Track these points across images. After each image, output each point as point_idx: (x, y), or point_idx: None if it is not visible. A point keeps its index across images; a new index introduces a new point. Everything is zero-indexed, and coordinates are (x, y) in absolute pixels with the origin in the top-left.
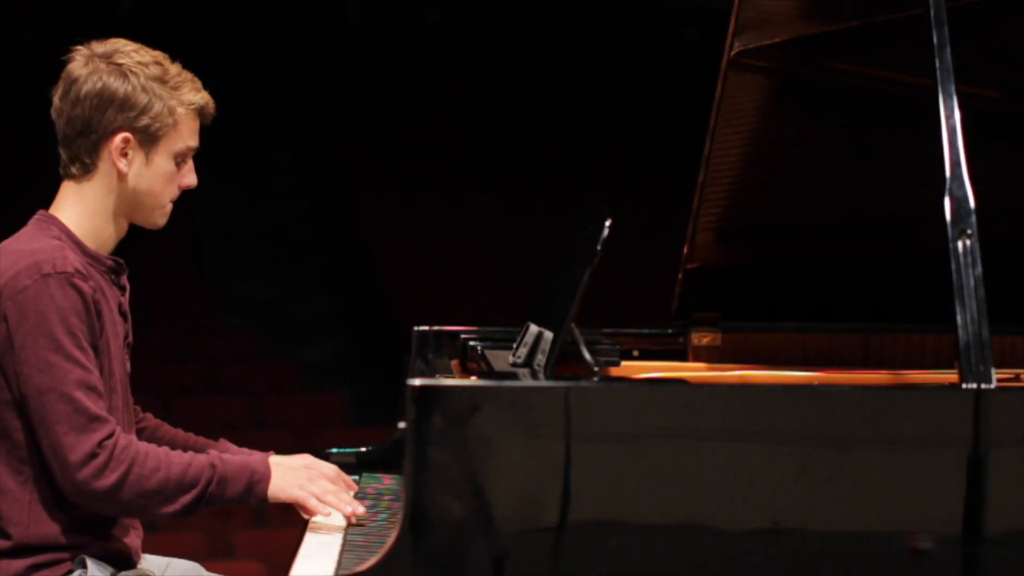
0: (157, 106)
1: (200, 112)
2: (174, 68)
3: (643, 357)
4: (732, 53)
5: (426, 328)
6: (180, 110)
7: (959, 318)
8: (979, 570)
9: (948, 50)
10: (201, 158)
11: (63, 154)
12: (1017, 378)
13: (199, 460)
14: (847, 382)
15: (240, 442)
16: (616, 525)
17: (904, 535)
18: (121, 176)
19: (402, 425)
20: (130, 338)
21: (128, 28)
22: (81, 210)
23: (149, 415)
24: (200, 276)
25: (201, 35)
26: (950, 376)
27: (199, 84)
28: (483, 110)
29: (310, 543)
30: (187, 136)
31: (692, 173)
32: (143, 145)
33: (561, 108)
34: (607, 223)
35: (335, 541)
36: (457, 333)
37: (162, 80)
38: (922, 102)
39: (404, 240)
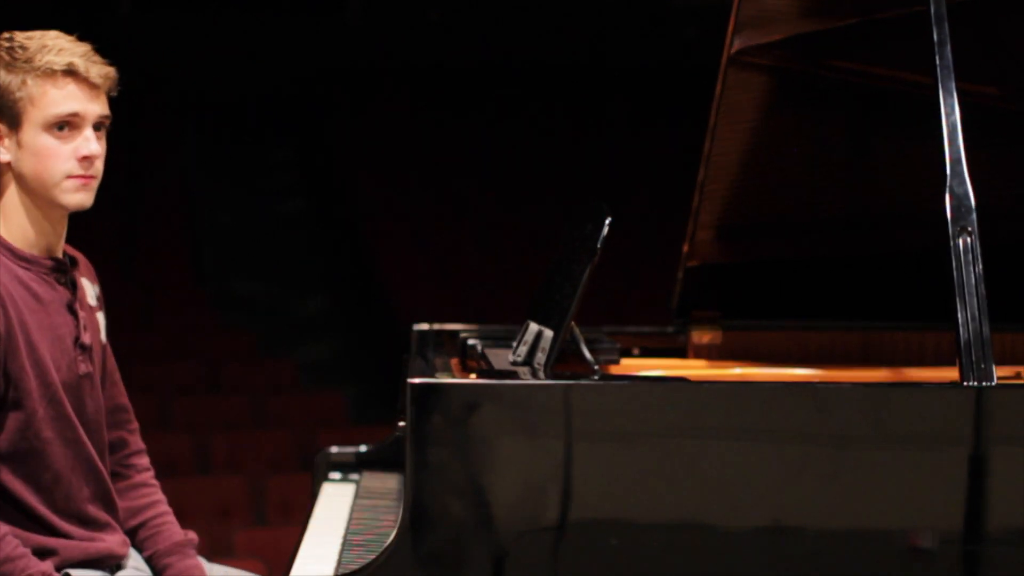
0: (2, 83)
1: (70, 74)
2: (24, 40)
3: (643, 355)
4: (732, 51)
5: (426, 327)
6: (31, 79)
7: (960, 316)
8: (980, 568)
9: (948, 47)
10: (201, 157)
11: None
12: (1018, 376)
13: (24, 563)
14: (848, 380)
15: (240, 442)
16: (616, 524)
17: (905, 533)
18: (7, 166)
19: (402, 424)
20: (91, 337)
21: (127, 26)
22: (4, 212)
23: (145, 475)
24: (200, 276)
25: (199, 33)
26: (951, 373)
27: (62, 46)
28: (483, 108)
29: (310, 543)
30: (57, 102)
31: (693, 171)
32: (12, 128)
33: (561, 106)
34: (607, 222)
35: (335, 541)
36: (457, 332)
37: (7, 58)
38: (922, 100)
39: (404, 239)
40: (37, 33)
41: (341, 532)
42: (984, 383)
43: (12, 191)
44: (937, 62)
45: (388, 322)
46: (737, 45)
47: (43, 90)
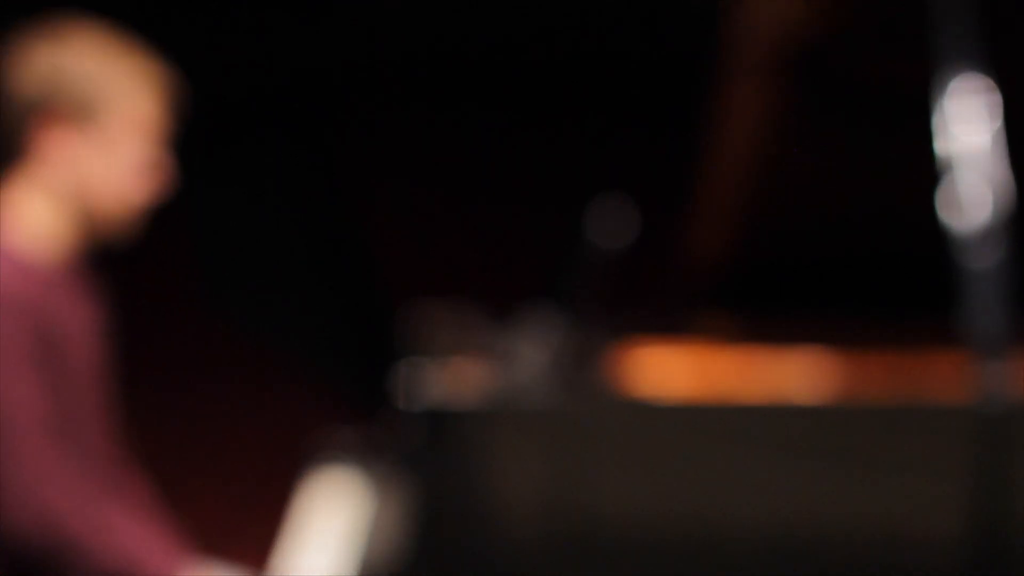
0: (88, 74)
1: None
2: (117, 46)
3: (649, 342)
4: (733, 46)
5: (426, 322)
6: (144, 94)
7: (971, 323)
8: None
9: (958, 43)
10: (194, 149)
11: None
12: None
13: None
14: (860, 374)
15: (239, 439)
16: (633, 544)
17: (918, 556)
18: (50, 160)
19: (398, 443)
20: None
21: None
22: (31, 211)
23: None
24: (198, 272)
25: (194, 29)
26: (960, 357)
27: (152, 60)
28: (483, 101)
29: (304, 541)
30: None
31: (695, 165)
32: (80, 120)
33: (562, 97)
34: (631, 220)
35: (331, 539)
36: (458, 327)
37: (107, 56)
38: (929, 96)
39: (406, 235)
40: (97, 30)
41: (335, 529)
42: (996, 399)
43: (46, 189)
44: (946, 57)
45: (388, 318)
46: (738, 41)
47: (150, 114)
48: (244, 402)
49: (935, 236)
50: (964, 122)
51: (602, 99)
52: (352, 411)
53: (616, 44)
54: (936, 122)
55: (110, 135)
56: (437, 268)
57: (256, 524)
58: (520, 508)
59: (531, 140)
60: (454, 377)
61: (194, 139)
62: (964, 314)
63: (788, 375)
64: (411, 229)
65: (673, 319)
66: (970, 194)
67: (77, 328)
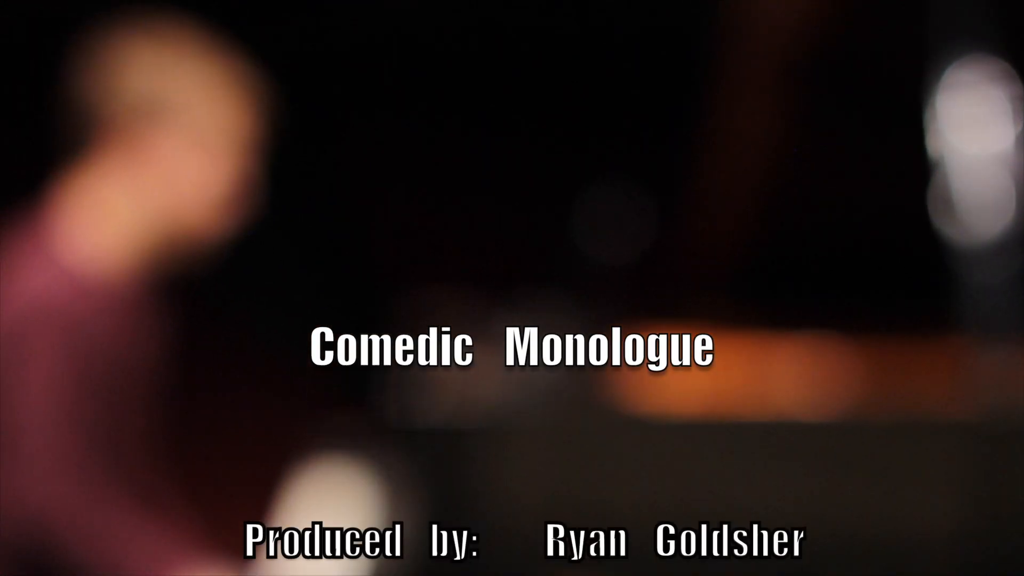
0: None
1: None
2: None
3: (653, 327)
4: (733, 43)
5: (424, 309)
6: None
7: (975, 329)
8: None
9: (957, 36)
10: None
11: None
12: None
13: None
14: (859, 367)
15: (238, 433)
16: (638, 557)
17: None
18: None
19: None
20: None
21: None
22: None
23: None
24: (199, 268)
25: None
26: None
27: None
28: (480, 92)
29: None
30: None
31: (697, 156)
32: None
33: (564, 89)
34: (635, 206)
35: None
36: (457, 314)
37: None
38: (925, 92)
39: (405, 223)
40: (192, 31)
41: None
42: (998, 409)
43: (128, 192)
44: (943, 52)
45: (385, 313)
46: (738, 39)
47: (244, 123)
48: (238, 390)
49: (940, 234)
50: (974, 119)
51: (602, 88)
52: (348, 399)
53: (617, 37)
54: (941, 118)
55: (205, 142)
56: (436, 255)
57: (250, 513)
58: (524, 521)
59: (534, 127)
60: (453, 372)
61: None
62: (969, 317)
63: (791, 365)
64: (411, 217)
65: (676, 305)
66: (979, 194)
67: (125, 345)
